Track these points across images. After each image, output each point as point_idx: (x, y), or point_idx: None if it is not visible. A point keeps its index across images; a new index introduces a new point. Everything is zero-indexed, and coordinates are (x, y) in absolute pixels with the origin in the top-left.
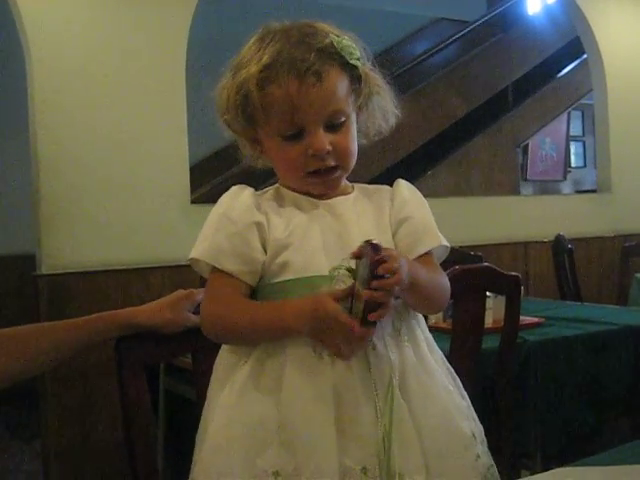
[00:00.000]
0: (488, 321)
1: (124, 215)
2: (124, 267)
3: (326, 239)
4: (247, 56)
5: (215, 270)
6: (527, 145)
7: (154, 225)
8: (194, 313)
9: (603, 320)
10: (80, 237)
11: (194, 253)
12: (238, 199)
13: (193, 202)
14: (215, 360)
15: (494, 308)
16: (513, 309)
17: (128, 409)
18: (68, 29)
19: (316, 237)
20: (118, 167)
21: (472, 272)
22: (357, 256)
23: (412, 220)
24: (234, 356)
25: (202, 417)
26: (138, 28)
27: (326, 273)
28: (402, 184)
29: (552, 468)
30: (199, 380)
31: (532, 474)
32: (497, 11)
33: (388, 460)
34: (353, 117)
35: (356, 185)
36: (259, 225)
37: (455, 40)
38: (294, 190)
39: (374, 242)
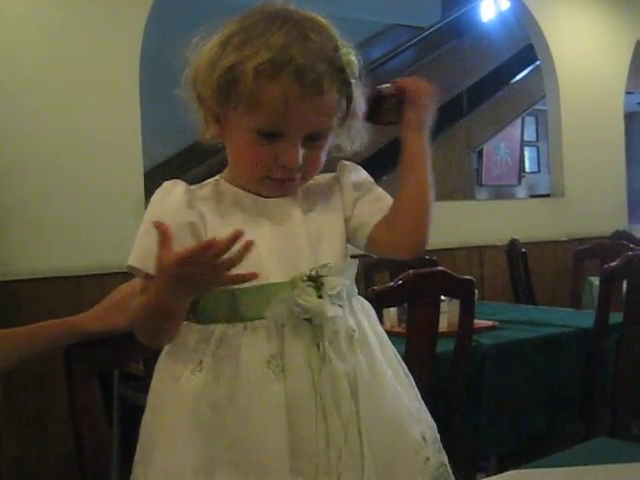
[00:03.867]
0: (443, 325)
1: (77, 220)
2: (78, 273)
3: (274, 242)
4: (248, 35)
5: (147, 277)
6: (482, 150)
7: (108, 230)
8: None
9: (557, 323)
10: (32, 243)
11: (129, 259)
12: (169, 197)
13: None
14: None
15: (448, 312)
16: (467, 313)
17: (78, 418)
18: (19, 31)
19: (263, 240)
20: (70, 172)
21: (426, 276)
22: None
23: (368, 194)
24: (178, 365)
25: (144, 431)
26: (91, 30)
27: (280, 279)
28: (347, 165)
29: (507, 470)
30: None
31: (487, 476)
32: (452, 17)
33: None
34: (332, 133)
35: None
36: (192, 225)
37: (410, 46)
38: (237, 186)
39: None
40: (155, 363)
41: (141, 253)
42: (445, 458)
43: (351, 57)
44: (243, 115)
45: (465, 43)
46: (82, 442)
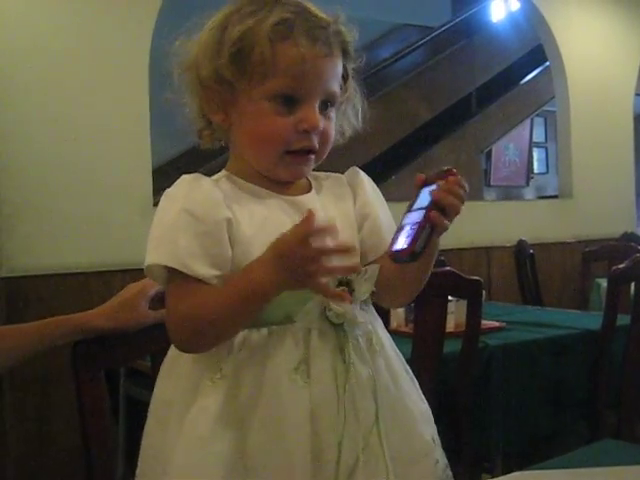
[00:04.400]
0: (450, 325)
1: (85, 218)
2: (84, 270)
3: None
4: (251, 8)
5: (178, 276)
6: (490, 151)
7: (115, 228)
8: (150, 308)
9: (564, 324)
10: (39, 239)
11: (154, 259)
12: (199, 192)
13: (156, 205)
14: (167, 376)
15: (456, 312)
16: (475, 313)
17: (85, 414)
18: (28, 30)
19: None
20: (79, 169)
21: (434, 276)
22: (422, 183)
23: (376, 219)
24: (199, 367)
25: (151, 444)
26: (101, 29)
27: None
28: (363, 177)
29: (512, 471)
30: None
31: (493, 477)
32: (462, 17)
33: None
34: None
35: (309, 176)
36: (229, 222)
37: (420, 46)
38: (249, 180)
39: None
40: (163, 359)
41: (181, 252)
42: (446, 460)
43: (352, 34)
44: (259, 84)
45: (475, 43)
46: (88, 439)
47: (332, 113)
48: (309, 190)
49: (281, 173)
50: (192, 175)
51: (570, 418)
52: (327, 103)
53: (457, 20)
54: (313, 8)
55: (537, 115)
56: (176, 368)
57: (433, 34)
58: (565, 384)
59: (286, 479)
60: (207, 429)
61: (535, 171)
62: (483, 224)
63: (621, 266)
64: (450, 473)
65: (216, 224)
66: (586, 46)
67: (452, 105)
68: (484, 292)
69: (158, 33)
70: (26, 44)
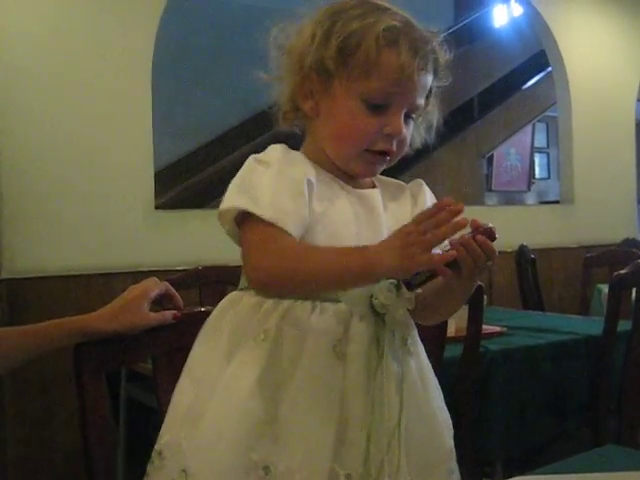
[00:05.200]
0: (451, 330)
1: (87, 219)
2: (86, 272)
3: (360, 229)
4: (363, 9)
5: (261, 223)
6: (492, 156)
7: (117, 230)
8: (152, 310)
9: (565, 330)
10: (42, 241)
11: (254, 208)
12: (292, 157)
13: (157, 208)
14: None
15: (457, 317)
16: (476, 318)
17: (86, 416)
18: (32, 28)
19: (350, 223)
20: (81, 171)
21: None
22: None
23: None
24: (242, 330)
25: (183, 398)
26: (104, 30)
27: None
28: (425, 189)
29: (512, 476)
30: (160, 386)
31: None
32: (464, 22)
33: (377, 471)
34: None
35: (374, 178)
36: (309, 182)
37: None
38: (321, 166)
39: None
40: (164, 362)
41: (276, 208)
42: (459, 474)
43: (442, 50)
44: (356, 81)
45: (477, 48)
46: (89, 441)
47: (411, 123)
48: (373, 187)
49: (355, 168)
50: (281, 145)
51: (571, 423)
52: (410, 114)
53: (459, 25)
54: (416, 22)
55: (539, 120)
56: (217, 330)
57: None
58: (566, 389)
59: (307, 452)
60: (246, 387)
61: (536, 176)
62: None
63: (622, 272)
64: None
65: (304, 186)
66: (588, 52)
67: (454, 110)
68: (485, 297)
69: (161, 36)
70: (27, 44)
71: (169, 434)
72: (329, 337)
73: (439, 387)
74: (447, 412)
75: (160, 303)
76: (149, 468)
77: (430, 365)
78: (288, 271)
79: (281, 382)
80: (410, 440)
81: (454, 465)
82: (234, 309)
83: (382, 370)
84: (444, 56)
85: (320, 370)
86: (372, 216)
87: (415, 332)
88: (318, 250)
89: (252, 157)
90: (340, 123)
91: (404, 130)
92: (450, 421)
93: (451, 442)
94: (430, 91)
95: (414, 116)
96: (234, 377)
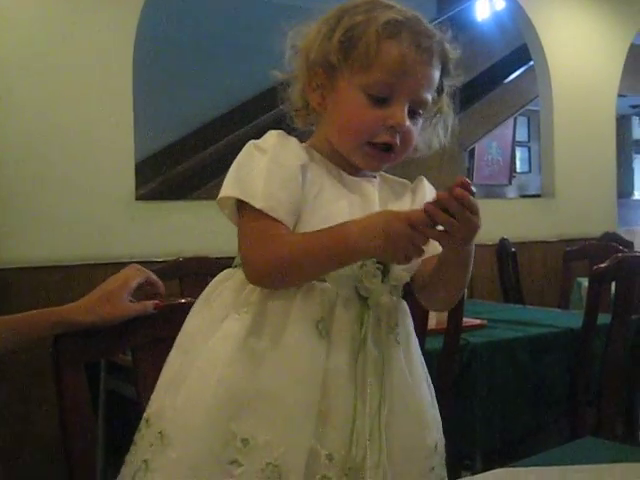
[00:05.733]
0: (431, 322)
1: (67, 210)
2: (67, 263)
3: (353, 213)
4: (369, 6)
5: (253, 212)
6: (474, 149)
7: (98, 221)
8: (134, 297)
9: (545, 323)
10: (23, 232)
11: (247, 197)
12: (287, 144)
13: (139, 199)
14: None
15: None
16: (456, 311)
17: (66, 408)
18: (12, 24)
19: (343, 210)
20: (62, 163)
21: None
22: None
23: None
24: (229, 302)
25: (170, 368)
26: (84, 24)
27: None
28: (426, 183)
29: (493, 468)
30: (139, 378)
31: (473, 474)
32: (446, 16)
33: (354, 452)
34: (422, 120)
35: (379, 175)
36: (303, 168)
37: None
38: (327, 157)
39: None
40: (144, 354)
41: (267, 196)
42: (445, 474)
43: (456, 53)
44: (358, 73)
45: (459, 42)
46: (68, 432)
47: (419, 120)
48: (373, 178)
49: (357, 160)
50: (278, 131)
51: (551, 416)
52: (416, 109)
53: (442, 19)
54: (424, 20)
55: (520, 114)
56: (207, 303)
57: None
58: (546, 382)
59: (288, 427)
60: (226, 355)
61: (518, 170)
62: None
63: (602, 266)
64: None
65: (297, 170)
66: (570, 46)
67: None
68: (465, 290)
69: (142, 29)
70: (8, 38)
71: (156, 403)
72: (313, 313)
73: (431, 386)
74: (437, 410)
75: (141, 293)
76: (136, 436)
77: (423, 360)
78: (280, 267)
79: (263, 354)
80: (392, 429)
81: (437, 462)
82: (225, 283)
83: (364, 354)
84: (453, 53)
85: (302, 345)
86: (366, 204)
87: (408, 323)
88: (304, 238)
89: (251, 142)
90: (343, 115)
91: (407, 122)
92: (439, 421)
93: (435, 440)
94: (442, 89)
95: (421, 112)
96: (215, 346)
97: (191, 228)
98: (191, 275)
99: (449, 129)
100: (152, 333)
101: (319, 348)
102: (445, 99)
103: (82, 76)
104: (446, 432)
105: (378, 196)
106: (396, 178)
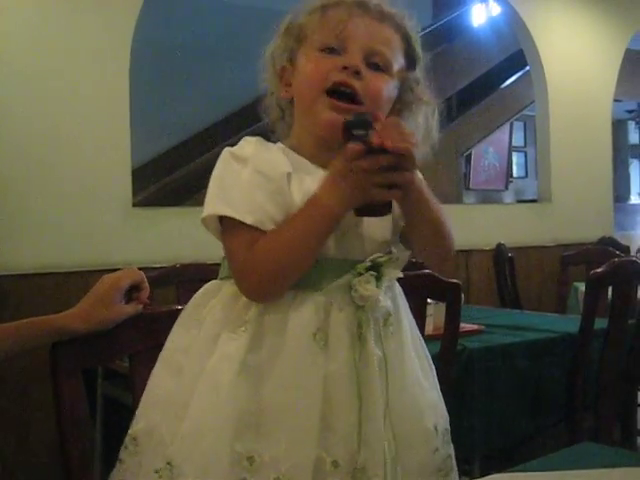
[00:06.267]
0: (428, 328)
1: (64, 217)
2: (64, 270)
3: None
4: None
5: (242, 226)
6: (470, 154)
7: (95, 228)
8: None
9: (542, 328)
10: (19, 239)
11: (234, 213)
12: (266, 153)
13: (135, 205)
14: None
15: (434, 315)
16: (453, 316)
17: (63, 415)
18: (9, 27)
19: None
20: (59, 169)
21: (413, 279)
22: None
23: None
24: (223, 318)
25: (166, 383)
26: (81, 28)
27: (337, 256)
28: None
29: (491, 473)
30: (136, 384)
31: (471, 479)
32: (443, 21)
33: (358, 456)
34: (395, 82)
35: None
36: (289, 176)
37: None
38: (302, 154)
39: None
40: (140, 360)
41: (254, 209)
42: (452, 450)
43: (411, 24)
44: (310, 41)
45: (455, 47)
46: (66, 439)
47: (386, 76)
48: None
49: (321, 118)
50: (256, 137)
51: (548, 421)
52: (377, 62)
53: (438, 24)
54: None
55: (517, 119)
56: (198, 320)
57: None
58: (543, 387)
59: (292, 440)
60: (228, 378)
61: (514, 175)
62: (462, 227)
63: (599, 270)
64: (453, 464)
65: (283, 180)
66: (566, 51)
67: None
68: (463, 295)
69: (138, 35)
70: (3, 42)
71: (144, 420)
72: (309, 325)
73: (431, 364)
74: (437, 392)
75: (134, 293)
76: (123, 454)
77: (420, 342)
78: (272, 272)
79: (263, 372)
80: (392, 419)
81: (439, 443)
82: (215, 298)
83: (366, 356)
84: (412, 26)
85: (301, 358)
86: None
87: (401, 303)
88: (282, 232)
89: (227, 151)
90: (301, 75)
91: (360, 65)
92: (439, 401)
93: (435, 421)
94: (413, 64)
95: (383, 67)
96: (216, 369)
97: (188, 234)
98: (188, 281)
99: (434, 122)
100: (149, 340)
101: (318, 358)
102: (420, 88)
103: (78, 81)
104: None
105: None
106: None
